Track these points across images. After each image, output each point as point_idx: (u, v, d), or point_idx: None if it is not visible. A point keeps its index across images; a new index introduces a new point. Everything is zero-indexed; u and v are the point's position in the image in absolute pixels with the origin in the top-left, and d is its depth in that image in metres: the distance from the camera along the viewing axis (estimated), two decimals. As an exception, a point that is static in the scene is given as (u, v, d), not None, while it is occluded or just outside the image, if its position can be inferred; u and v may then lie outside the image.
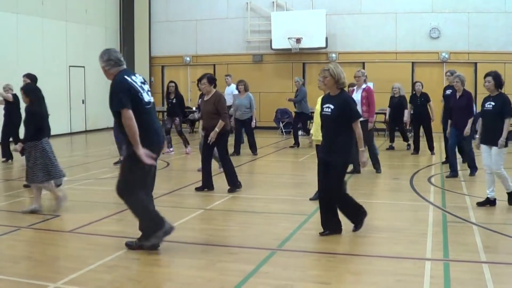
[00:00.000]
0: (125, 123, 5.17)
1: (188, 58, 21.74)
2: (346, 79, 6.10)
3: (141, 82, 5.49)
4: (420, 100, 13.25)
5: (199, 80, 8.81)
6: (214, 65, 21.47)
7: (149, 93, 5.53)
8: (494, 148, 7.31)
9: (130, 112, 5.16)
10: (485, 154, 7.50)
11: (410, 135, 16.28)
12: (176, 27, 21.83)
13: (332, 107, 6.00)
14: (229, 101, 15.22)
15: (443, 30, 19.06)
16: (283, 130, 19.06)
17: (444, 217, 6.94)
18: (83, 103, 19.82)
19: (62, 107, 18.40)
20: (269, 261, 5.28)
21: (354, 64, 20.19)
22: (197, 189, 8.76)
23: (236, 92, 14.27)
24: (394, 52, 19.53)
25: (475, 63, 18.56)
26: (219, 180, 9.23)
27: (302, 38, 19.47)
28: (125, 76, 5.35)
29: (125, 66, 5.52)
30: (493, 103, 7.38)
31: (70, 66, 19.24)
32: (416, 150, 13.36)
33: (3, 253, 5.45)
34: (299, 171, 10.93)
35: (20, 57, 16.68)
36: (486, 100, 7.52)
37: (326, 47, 19.77)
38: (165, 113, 15.16)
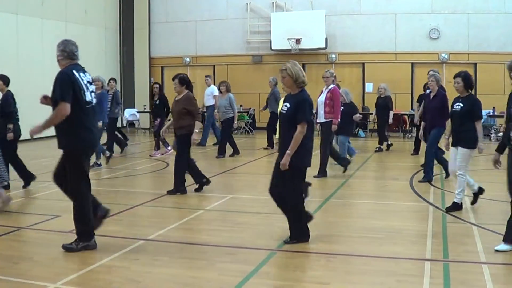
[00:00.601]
0: (57, 113, 5.29)
1: (187, 59, 21.74)
2: (305, 78, 5.90)
3: (88, 81, 5.57)
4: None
5: (172, 79, 8.80)
6: (214, 65, 21.48)
7: (92, 94, 5.58)
8: (460, 148, 7.15)
9: (68, 106, 5.27)
10: (452, 155, 7.34)
11: (410, 135, 16.32)
12: (176, 27, 21.84)
13: (288, 106, 5.86)
14: (208, 102, 15.30)
15: (443, 31, 19.07)
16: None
17: (443, 218, 6.94)
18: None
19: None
20: (269, 261, 5.28)
21: (354, 65, 20.24)
22: (196, 190, 8.75)
23: (217, 93, 14.31)
24: (393, 52, 19.54)
25: (475, 64, 18.57)
26: (219, 180, 9.25)
27: (301, 38, 19.49)
28: (73, 71, 5.45)
29: (77, 61, 5.62)
30: (461, 105, 7.22)
31: (69, 66, 19.21)
32: (416, 150, 13.35)
33: (2, 254, 5.44)
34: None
35: (20, 58, 16.68)
36: (455, 101, 7.37)
37: (325, 48, 19.78)
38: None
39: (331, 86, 10.18)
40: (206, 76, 16.13)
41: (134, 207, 7.77)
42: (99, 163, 11.48)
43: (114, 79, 14.19)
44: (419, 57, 19.24)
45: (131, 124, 21.71)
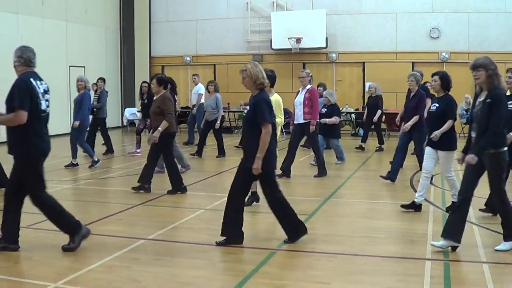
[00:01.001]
0: (13, 119, 5.27)
1: (188, 58, 21.74)
2: (265, 79, 5.78)
3: (44, 90, 5.57)
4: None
5: (150, 80, 8.79)
6: (214, 65, 21.48)
7: (47, 102, 5.57)
8: (440, 152, 7.04)
9: (25, 115, 5.25)
10: (427, 156, 7.18)
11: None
12: (176, 27, 21.84)
13: (248, 108, 5.79)
14: (195, 100, 15.33)
15: (443, 30, 19.07)
16: (283, 130, 19.03)
17: (444, 217, 6.92)
18: (83, 103, 19.80)
19: (62, 107, 18.36)
20: (269, 261, 5.28)
21: (354, 64, 20.25)
22: (133, 188, 8.62)
23: (202, 91, 14.26)
24: (394, 52, 19.54)
25: (475, 63, 18.54)
26: (219, 180, 9.26)
27: (302, 38, 19.48)
28: (31, 79, 5.46)
29: (34, 69, 5.63)
30: (437, 105, 7.12)
31: (70, 66, 19.24)
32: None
33: (2, 253, 5.44)
34: (298, 170, 10.91)
35: (20, 57, 16.67)
36: (433, 101, 7.32)
37: (326, 47, 19.78)
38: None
39: (309, 86, 10.05)
40: (193, 75, 16.22)
41: (134, 206, 7.77)
42: (75, 162, 11.35)
43: (103, 79, 14.00)
44: (420, 57, 19.23)
45: (131, 123, 21.70)
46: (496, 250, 5.43)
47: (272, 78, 7.38)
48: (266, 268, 5.08)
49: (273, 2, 20.75)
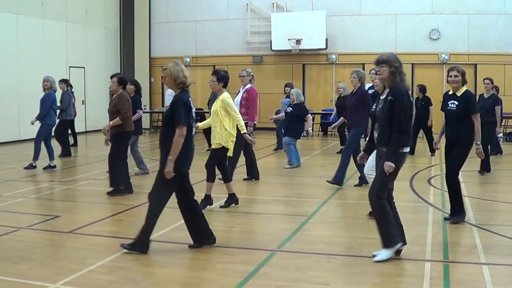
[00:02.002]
0: None
1: (188, 59, 21.74)
2: (187, 78, 5.56)
3: None
4: (421, 104, 13.22)
5: (111, 78, 8.80)
6: (214, 66, 21.38)
7: None
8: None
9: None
10: (371, 158, 6.64)
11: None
12: (176, 28, 21.84)
13: (168, 107, 5.65)
14: (168, 102, 15.40)
15: (443, 32, 19.08)
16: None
17: (443, 218, 6.94)
18: (83, 103, 19.80)
19: (62, 107, 18.40)
20: (269, 262, 5.28)
21: (354, 65, 20.13)
22: (108, 193, 8.48)
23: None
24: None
25: (475, 65, 18.57)
26: (219, 181, 9.19)
27: (302, 39, 19.49)
28: None
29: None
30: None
31: (70, 66, 19.23)
32: (411, 151, 13.30)
33: (2, 254, 5.44)
34: (298, 172, 10.92)
35: (20, 58, 16.69)
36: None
37: (326, 48, 19.79)
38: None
39: (248, 85, 9.64)
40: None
41: (134, 207, 7.77)
42: (52, 165, 11.20)
43: (64, 80, 14.04)
44: (420, 58, 19.24)
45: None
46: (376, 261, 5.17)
47: (225, 78, 7.45)
48: (265, 269, 5.08)
49: (273, 3, 20.76)
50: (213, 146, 7.50)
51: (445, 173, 6.89)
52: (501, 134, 15.89)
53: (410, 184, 9.48)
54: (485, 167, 10.31)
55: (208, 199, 7.57)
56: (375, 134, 5.47)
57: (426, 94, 13.46)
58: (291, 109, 11.74)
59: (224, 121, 7.31)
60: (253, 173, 9.90)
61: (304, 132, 12.49)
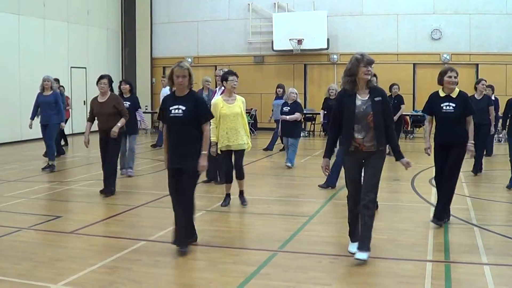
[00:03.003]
0: None
1: (189, 59, 21.74)
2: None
3: None
4: (393, 102, 13.09)
5: (99, 79, 8.78)
6: (216, 66, 21.43)
7: None
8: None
9: None
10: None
11: (412, 136, 16.23)
12: (178, 28, 21.86)
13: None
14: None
15: (445, 32, 19.07)
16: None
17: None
18: (84, 104, 19.81)
19: (64, 108, 18.43)
20: (271, 262, 5.28)
21: (356, 66, 20.20)
22: (101, 191, 8.59)
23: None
24: (395, 53, 19.53)
25: (477, 65, 18.56)
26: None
27: (303, 39, 19.49)
28: None
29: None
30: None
31: (71, 67, 19.27)
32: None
33: (4, 254, 5.45)
34: (301, 172, 10.92)
35: (22, 58, 16.71)
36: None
37: (327, 48, 19.79)
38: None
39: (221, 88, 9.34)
40: (162, 77, 16.37)
41: (135, 207, 7.77)
42: (51, 164, 11.23)
43: (56, 80, 13.77)
44: (421, 58, 19.24)
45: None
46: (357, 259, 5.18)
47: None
48: (267, 269, 5.07)
49: (275, 3, 20.76)
50: (242, 147, 7.70)
51: (445, 177, 6.55)
52: (502, 135, 15.83)
53: (411, 184, 9.48)
54: (478, 167, 10.42)
55: (229, 196, 7.80)
56: (357, 136, 5.33)
57: (405, 93, 13.50)
58: (288, 108, 11.69)
59: (243, 120, 7.63)
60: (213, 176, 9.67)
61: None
